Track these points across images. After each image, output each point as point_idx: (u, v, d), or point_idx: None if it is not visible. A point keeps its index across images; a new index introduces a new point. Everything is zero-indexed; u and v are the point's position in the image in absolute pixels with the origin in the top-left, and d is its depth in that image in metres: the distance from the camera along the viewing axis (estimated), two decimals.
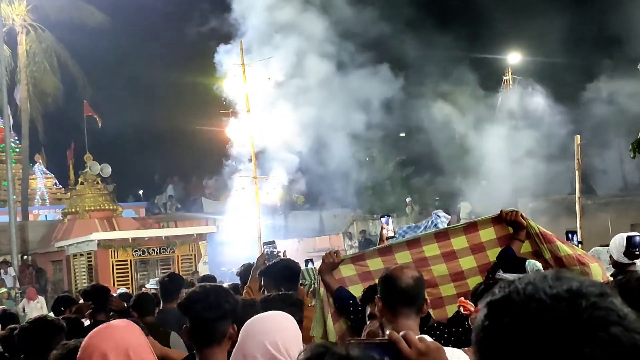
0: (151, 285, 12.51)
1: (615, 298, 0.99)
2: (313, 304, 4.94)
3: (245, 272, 5.65)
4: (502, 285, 1.04)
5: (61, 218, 25.22)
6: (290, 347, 2.66)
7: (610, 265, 5.55)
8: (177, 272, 19.54)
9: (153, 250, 20.39)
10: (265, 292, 4.90)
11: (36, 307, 16.75)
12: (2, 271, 21.42)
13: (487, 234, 4.58)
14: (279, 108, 22.78)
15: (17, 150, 29.34)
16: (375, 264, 4.66)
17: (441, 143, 28.76)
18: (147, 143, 37.72)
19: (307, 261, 6.91)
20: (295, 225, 29.66)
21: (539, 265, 4.24)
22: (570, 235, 7.82)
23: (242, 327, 2.78)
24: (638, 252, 5.37)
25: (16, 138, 29.75)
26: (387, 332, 2.88)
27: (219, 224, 25.47)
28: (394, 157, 30.84)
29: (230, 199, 24.09)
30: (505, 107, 29.04)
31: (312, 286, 5.98)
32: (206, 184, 36.46)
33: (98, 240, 19.95)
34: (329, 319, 4.56)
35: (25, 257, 23.57)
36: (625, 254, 5.34)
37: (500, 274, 4.14)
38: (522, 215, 4.49)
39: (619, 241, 5.41)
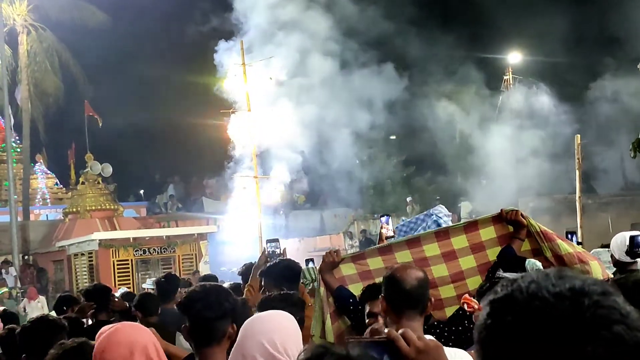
0: (147, 285, 12.49)
1: (618, 296, 0.99)
2: (312, 303, 4.94)
3: (247, 271, 5.65)
4: (504, 283, 1.03)
5: (62, 218, 25.23)
6: (289, 346, 2.66)
7: (612, 264, 5.54)
8: (178, 271, 19.60)
9: (154, 249, 20.39)
10: (266, 293, 4.90)
11: (37, 307, 16.74)
12: (3, 271, 21.42)
13: (488, 233, 4.58)
14: (280, 107, 22.75)
15: (18, 150, 29.33)
16: (376, 263, 4.67)
17: (443, 142, 28.78)
18: (148, 143, 37.75)
19: (307, 261, 6.90)
20: (296, 224, 29.66)
21: (538, 264, 4.24)
22: (569, 236, 7.83)
23: (242, 327, 2.78)
24: None
25: (17, 138, 29.75)
26: (385, 330, 2.88)
27: (220, 223, 25.47)
28: (395, 157, 30.84)
29: (231, 199, 24.08)
30: (506, 106, 29.04)
31: (312, 285, 5.98)
32: (207, 184, 36.47)
33: (99, 240, 19.95)
34: (327, 318, 4.56)
35: (26, 256, 23.58)
36: (628, 253, 5.34)
37: (500, 273, 4.14)
38: (522, 214, 4.49)
39: (620, 240, 5.40)
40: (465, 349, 3.14)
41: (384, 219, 5.77)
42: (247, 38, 22.47)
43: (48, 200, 31.87)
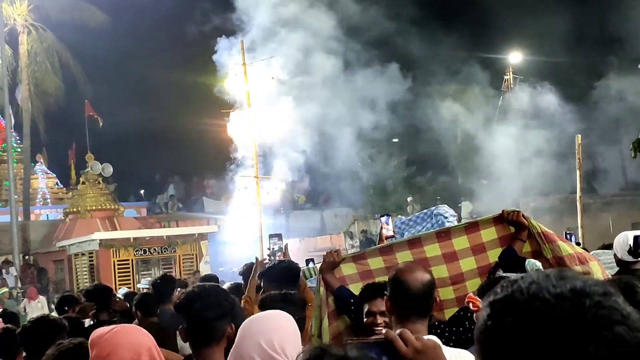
0: (143, 285, 12.48)
1: (619, 297, 0.99)
2: (312, 304, 4.94)
3: (247, 271, 5.65)
4: (504, 284, 1.03)
5: (63, 218, 25.25)
6: (287, 346, 2.65)
7: (614, 265, 5.55)
8: (178, 271, 19.62)
9: (154, 249, 20.40)
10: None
11: (37, 307, 16.74)
12: (3, 271, 21.44)
13: (489, 234, 4.57)
14: (282, 106, 22.74)
15: (19, 150, 29.34)
16: (376, 263, 4.67)
17: (444, 142, 28.77)
18: (149, 143, 37.73)
19: (307, 261, 6.91)
20: (297, 224, 29.64)
21: (538, 264, 4.24)
22: (568, 236, 7.84)
23: (240, 327, 2.78)
24: None
25: (18, 138, 29.76)
26: (384, 331, 2.88)
27: (221, 223, 25.48)
28: (396, 157, 30.83)
29: (231, 199, 24.08)
30: (507, 106, 29.02)
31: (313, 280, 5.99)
32: (208, 184, 36.49)
33: (99, 240, 19.96)
34: (325, 319, 4.56)
35: (26, 256, 23.59)
36: (631, 252, 5.34)
37: (500, 274, 4.14)
38: (523, 215, 4.49)
39: (623, 239, 5.40)
40: (465, 349, 3.14)
41: (383, 219, 5.77)
42: (249, 37, 22.46)
43: (48, 200, 31.88)
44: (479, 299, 3.50)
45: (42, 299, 18.03)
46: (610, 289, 1.00)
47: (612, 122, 26.60)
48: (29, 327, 4.27)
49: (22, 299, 18.52)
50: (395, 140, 30.86)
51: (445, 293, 4.51)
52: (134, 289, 17.35)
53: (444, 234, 4.64)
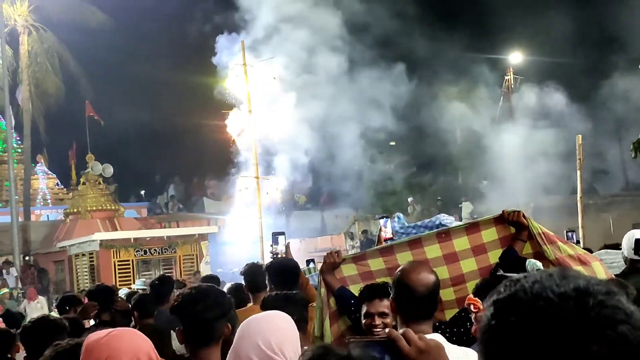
0: (137, 285, 12.43)
1: (622, 296, 0.99)
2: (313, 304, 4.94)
3: (249, 271, 5.64)
4: (507, 283, 1.03)
5: (63, 218, 25.24)
6: (286, 347, 2.65)
7: (617, 263, 5.61)
8: (178, 272, 19.62)
9: (155, 250, 20.40)
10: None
11: (36, 308, 16.72)
12: (4, 271, 21.44)
13: (489, 235, 4.57)
14: (284, 106, 22.73)
15: (19, 150, 29.35)
16: (377, 264, 4.66)
17: (445, 143, 28.74)
18: (149, 143, 37.73)
19: (308, 261, 6.92)
20: (297, 225, 29.63)
21: (539, 264, 4.24)
22: (570, 234, 7.87)
23: (238, 328, 2.78)
24: None
25: (18, 138, 29.77)
26: (387, 330, 2.88)
27: (221, 224, 25.47)
28: (397, 157, 30.80)
29: (232, 199, 24.07)
30: (508, 106, 29.02)
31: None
32: (208, 184, 36.49)
33: (100, 241, 19.96)
34: (326, 320, 4.56)
35: (27, 257, 23.58)
36: (636, 253, 5.40)
37: (501, 274, 4.13)
38: (524, 215, 4.48)
39: (629, 238, 5.47)
40: None
41: (382, 221, 5.76)
42: (252, 36, 22.45)
43: (49, 201, 31.88)
44: (479, 301, 3.50)
45: (42, 299, 18.02)
46: (613, 288, 1.00)
47: (613, 123, 26.61)
48: (30, 327, 4.28)
49: (23, 300, 18.52)
50: (393, 143, 30.80)
51: (446, 294, 4.51)
52: None
53: (444, 235, 4.64)
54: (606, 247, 7.27)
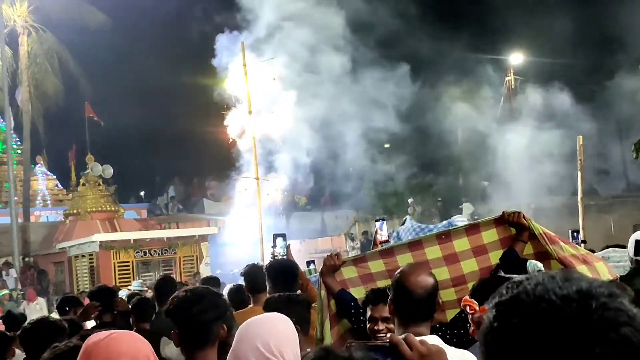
0: (134, 287, 12.40)
1: (624, 298, 0.99)
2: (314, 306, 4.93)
3: (249, 272, 5.63)
4: (509, 285, 1.03)
5: (63, 219, 25.24)
6: (285, 349, 2.65)
7: (623, 262, 5.65)
8: (178, 273, 19.62)
9: (155, 251, 20.40)
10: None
11: (35, 309, 16.70)
12: (3, 272, 21.43)
13: (490, 236, 4.56)
14: (284, 106, 22.71)
15: (19, 151, 29.34)
16: (377, 266, 4.66)
17: (446, 144, 28.74)
18: (149, 144, 37.78)
19: (308, 262, 6.91)
20: (297, 226, 29.64)
21: (540, 265, 4.24)
22: (575, 234, 7.90)
23: (237, 330, 2.77)
24: None
25: (18, 139, 29.77)
26: (388, 335, 2.88)
27: (221, 225, 25.46)
28: (397, 158, 30.79)
29: (232, 200, 24.07)
30: (508, 107, 29.02)
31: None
32: (208, 185, 36.51)
33: (100, 242, 19.97)
34: (326, 322, 4.55)
35: (26, 258, 23.57)
36: (636, 254, 5.44)
37: (501, 275, 4.13)
38: (524, 216, 4.48)
39: (634, 238, 5.52)
40: (466, 350, 3.14)
41: (378, 224, 5.77)
42: (254, 35, 22.41)
43: (49, 202, 31.88)
44: (475, 302, 3.50)
45: (41, 300, 18.01)
46: (615, 290, 1.00)
47: (615, 123, 26.61)
48: (29, 329, 4.27)
49: (22, 301, 18.52)
50: (387, 145, 30.77)
51: (446, 294, 4.50)
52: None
53: (444, 236, 4.63)
54: (606, 248, 7.30)
